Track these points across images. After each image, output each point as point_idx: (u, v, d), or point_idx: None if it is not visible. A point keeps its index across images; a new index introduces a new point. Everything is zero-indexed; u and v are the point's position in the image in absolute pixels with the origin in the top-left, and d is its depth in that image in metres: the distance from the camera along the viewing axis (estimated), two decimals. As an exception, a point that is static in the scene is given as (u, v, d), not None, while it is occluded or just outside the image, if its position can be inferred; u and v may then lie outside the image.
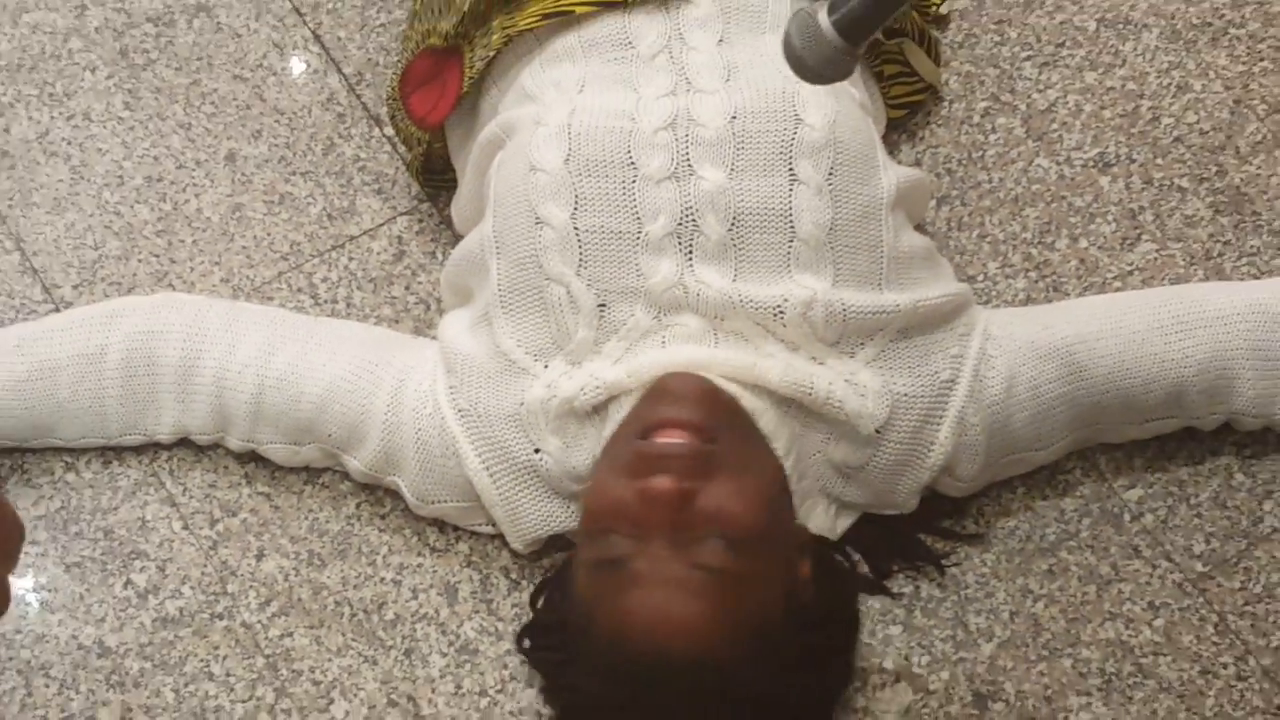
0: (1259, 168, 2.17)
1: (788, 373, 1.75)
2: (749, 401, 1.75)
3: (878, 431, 1.79)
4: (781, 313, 1.76)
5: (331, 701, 1.87)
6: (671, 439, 1.67)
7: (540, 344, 1.80)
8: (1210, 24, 2.27)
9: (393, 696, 1.88)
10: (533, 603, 1.87)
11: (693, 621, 1.61)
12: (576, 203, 1.78)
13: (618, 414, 1.76)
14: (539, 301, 1.79)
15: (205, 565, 1.94)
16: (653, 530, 1.63)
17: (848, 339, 1.79)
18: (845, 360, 1.79)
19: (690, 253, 1.78)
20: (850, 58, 1.49)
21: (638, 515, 1.64)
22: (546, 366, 1.79)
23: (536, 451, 1.80)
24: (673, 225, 1.78)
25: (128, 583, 1.93)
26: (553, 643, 1.80)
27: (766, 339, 1.77)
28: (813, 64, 1.50)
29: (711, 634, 1.61)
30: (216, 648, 1.90)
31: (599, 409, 1.78)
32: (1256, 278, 2.08)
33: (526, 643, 1.86)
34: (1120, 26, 2.28)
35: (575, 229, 1.78)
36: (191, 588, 1.93)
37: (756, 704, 1.66)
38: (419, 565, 1.94)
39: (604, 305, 1.78)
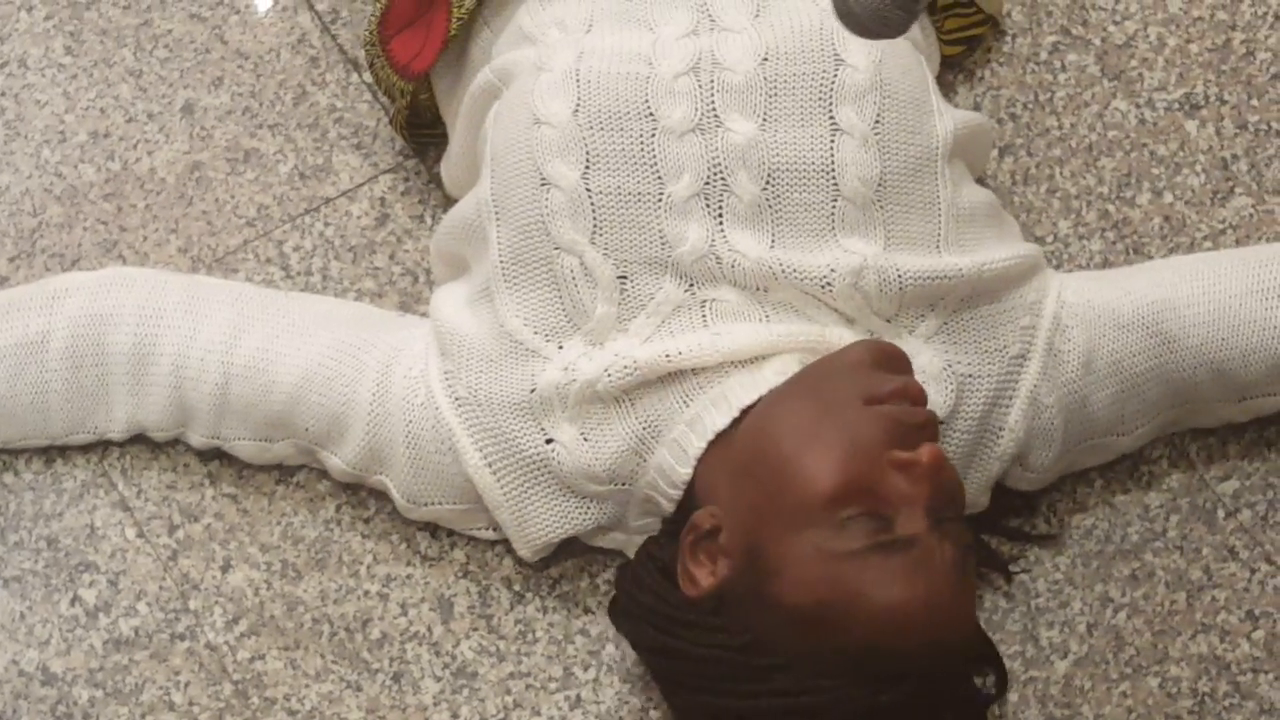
0: (1369, 109, 2.19)
1: None
2: None
3: (941, 422, 1.79)
4: (829, 284, 1.77)
5: (310, 733, 1.91)
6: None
7: (552, 322, 1.81)
8: (1313, -59, 2.27)
9: (380, 728, 1.91)
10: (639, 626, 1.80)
11: (967, 604, 1.67)
12: (588, 160, 1.79)
13: (702, 388, 1.76)
14: (548, 274, 1.81)
15: (164, 578, 1.95)
16: (916, 506, 1.63)
17: (905, 311, 1.81)
18: (904, 338, 1.80)
19: (720, 216, 1.79)
20: (906, 14, 1.47)
21: (902, 491, 1.63)
22: (561, 347, 1.81)
23: (549, 442, 1.81)
24: (699, 185, 1.79)
25: (75, 599, 1.94)
26: (739, 646, 1.70)
27: (820, 308, 1.79)
28: (863, 17, 1.48)
29: (971, 616, 1.69)
30: (178, 673, 1.91)
31: (629, 393, 1.78)
32: (1367, 235, 2.10)
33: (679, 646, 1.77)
34: (1207, -54, 2.28)
35: (587, 190, 1.79)
36: (148, 604, 1.94)
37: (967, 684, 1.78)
38: (408, 576, 1.95)
39: (624, 277, 1.79)
